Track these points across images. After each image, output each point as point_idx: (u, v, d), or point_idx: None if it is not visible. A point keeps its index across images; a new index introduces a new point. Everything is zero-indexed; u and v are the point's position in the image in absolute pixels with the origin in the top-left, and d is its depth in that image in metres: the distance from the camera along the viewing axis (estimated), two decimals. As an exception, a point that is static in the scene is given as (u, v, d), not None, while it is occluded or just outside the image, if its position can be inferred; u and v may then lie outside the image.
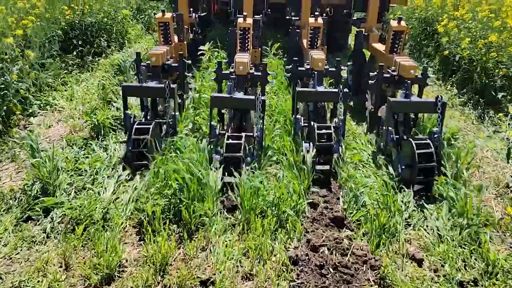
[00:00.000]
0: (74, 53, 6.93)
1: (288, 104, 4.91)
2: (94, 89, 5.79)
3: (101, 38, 7.72)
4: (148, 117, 4.38)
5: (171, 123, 4.26)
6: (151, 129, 3.84)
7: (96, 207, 3.29)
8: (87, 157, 4.16)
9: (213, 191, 3.36)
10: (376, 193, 3.54)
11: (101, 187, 3.66)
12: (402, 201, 3.53)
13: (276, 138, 4.34)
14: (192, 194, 3.26)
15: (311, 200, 3.51)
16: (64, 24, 6.54)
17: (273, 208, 3.29)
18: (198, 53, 6.41)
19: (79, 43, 7.25)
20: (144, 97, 4.38)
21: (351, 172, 3.92)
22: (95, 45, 7.53)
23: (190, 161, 3.50)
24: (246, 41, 5.06)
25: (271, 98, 5.42)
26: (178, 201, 3.28)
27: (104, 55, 7.58)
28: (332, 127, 3.94)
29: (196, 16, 6.97)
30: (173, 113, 4.26)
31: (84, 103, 5.44)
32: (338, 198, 3.64)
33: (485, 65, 5.78)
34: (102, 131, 4.57)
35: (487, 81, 5.79)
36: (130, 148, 3.85)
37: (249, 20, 5.06)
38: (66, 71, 6.44)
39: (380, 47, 5.34)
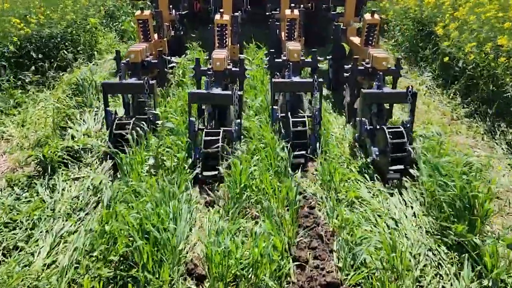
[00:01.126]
0: (33, 68, 6.19)
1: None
2: (51, 112, 5.05)
3: (66, 51, 6.98)
4: (130, 114, 4.41)
5: (151, 119, 4.26)
6: (131, 124, 3.94)
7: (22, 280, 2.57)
8: (29, 201, 3.45)
9: (174, 254, 2.65)
10: (378, 246, 2.85)
11: (37, 245, 2.95)
12: (410, 253, 2.85)
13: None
14: (144, 260, 2.55)
15: (297, 260, 2.82)
16: (16, 39, 5.78)
17: (249, 274, 2.59)
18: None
19: (39, 57, 6.52)
20: (125, 94, 4.42)
21: (346, 215, 3.22)
22: (58, 59, 6.81)
23: (144, 214, 2.78)
24: (224, 37, 5.12)
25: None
26: (126, 269, 2.56)
27: (69, 69, 6.84)
28: (306, 117, 4.11)
29: (177, 13, 7.05)
30: (153, 109, 4.30)
31: (38, 129, 4.71)
32: (331, 251, 2.95)
33: (493, 72, 5.11)
34: (50, 167, 3.84)
35: (495, 90, 5.12)
36: (111, 144, 3.91)
37: (226, 17, 5.14)
38: (21, 90, 5.70)
39: (356, 40, 5.43)
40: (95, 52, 7.68)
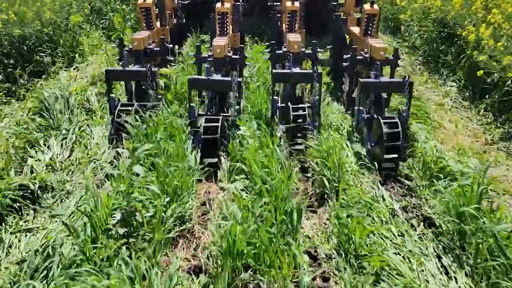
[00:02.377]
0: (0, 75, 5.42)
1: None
2: (9, 135, 4.26)
3: (42, 54, 6.18)
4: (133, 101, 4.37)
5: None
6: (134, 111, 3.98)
7: None
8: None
9: None
10: None
11: None
12: None
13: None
14: None
15: None
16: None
17: None
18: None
19: (10, 62, 5.73)
20: (128, 81, 4.52)
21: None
22: (34, 63, 6.02)
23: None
24: (225, 25, 5.19)
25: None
26: None
27: (45, 75, 6.04)
28: (306, 107, 4.16)
29: (179, 1, 7.01)
30: (158, 96, 4.39)
31: (-5, 154, 3.93)
32: None
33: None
34: (-3, 212, 3.07)
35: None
36: (113, 130, 4.03)
37: (227, 5, 5.21)
38: (-17, 102, 4.92)
39: (356, 30, 5.44)
40: (77, 55, 6.88)
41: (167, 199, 3.04)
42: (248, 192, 3.33)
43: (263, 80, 5.04)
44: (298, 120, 4.04)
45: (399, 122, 3.80)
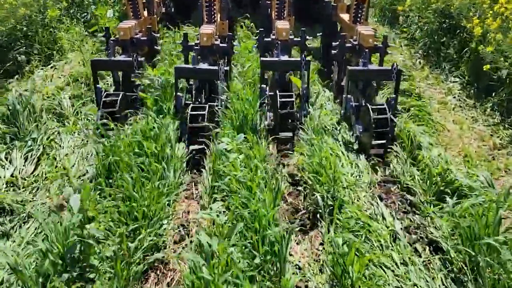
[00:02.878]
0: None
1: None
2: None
3: (16, 52, 5.76)
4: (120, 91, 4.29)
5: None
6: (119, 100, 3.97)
7: None
8: None
9: None
10: None
11: None
12: None
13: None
14: None
15: None
16: None
17: None
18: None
19: (-21, 61, 5.32)
20: (114, 71, 4.49)
21: None
22: (8, 63, 5.60)
23: None
24: (212, 12, 5.12)
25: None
26: None
27: (18, 76, 5.62)
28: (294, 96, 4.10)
29: None
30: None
31: None
32: None
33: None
34: None
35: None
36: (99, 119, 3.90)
37: None
38: None
39: (346, 17, 5.35)
40: (55, 52, 6.44)
41: (135, 225, 2.65)
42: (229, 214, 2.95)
43: (251, 82, 4.60)
44: (286, 108, 3.99)
45: (387, 109, 3.77)
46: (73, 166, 3.64)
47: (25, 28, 6.02)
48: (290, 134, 4.02)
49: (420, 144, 3.79)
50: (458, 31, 5.95)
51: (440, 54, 6.16)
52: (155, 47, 5.12)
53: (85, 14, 7.89)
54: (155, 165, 3.15)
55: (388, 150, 3.82)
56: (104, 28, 5.20)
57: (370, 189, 3.42)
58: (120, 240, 2.50)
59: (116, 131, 3.42)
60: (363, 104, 4.04)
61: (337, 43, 4.66)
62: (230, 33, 5.01)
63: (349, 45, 4.66)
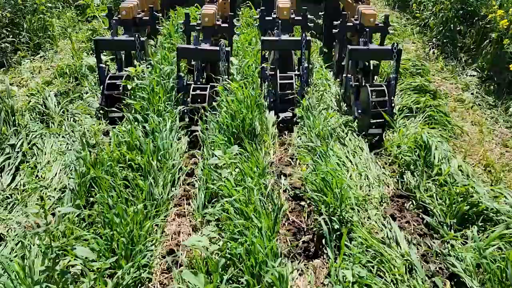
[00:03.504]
0: None
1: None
2: None
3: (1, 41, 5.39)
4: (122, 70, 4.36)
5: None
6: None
7: None
8: None
9: None
10: None
11: None
12: None
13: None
14: None
15: None
16: None
17: None
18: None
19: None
20: (117, 51, 4.49)
21: None
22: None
23: None
24: None
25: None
26: None
27: (4, 68, 5.27)
28: (294, 76, 4.12)
29: None
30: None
31: None
32: None
33: None
34: None
35: None
36: (103, 100, 4.04)
37: None
38: None
39: None
40: (45, 40, 6.05)
41: (114, 259, 2.33)
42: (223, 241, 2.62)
43: (250, 80, 4.20)
44: (286, 89, 4.02)
45: (386, 90, 3.76)
46: (55, 175, 3.31)
47: (10, 14, 5.63)
48: (289, 114, 4.04)
49: (437, 155, 3.42)
50: (476, 19, 5.51)
51: (456, 44, 5.73)
52: (157, 26, 5.07)
53: (78, -1, 7.48)
54: (141, 182, 2.81)
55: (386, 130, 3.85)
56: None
57: (382, 205, 3.08)
58: (96, 278, 2.19)
59: (100, 142, 3.06)
60: (363, 84, 4.03)
61: (338, 22, 4.60)
62: (232, 13, 4.88)
63: (350, 24, 4.59)
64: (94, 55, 5.27)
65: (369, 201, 3.09)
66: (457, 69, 5.36)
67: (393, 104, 3.81)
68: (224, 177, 2.77)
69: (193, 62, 4.24)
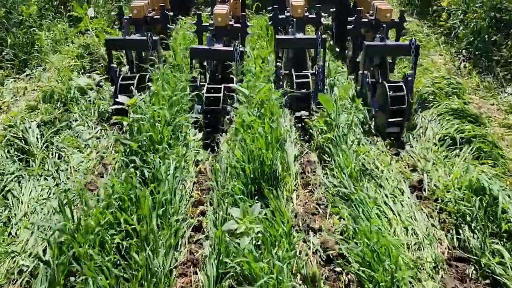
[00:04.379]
0: None
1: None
2: None
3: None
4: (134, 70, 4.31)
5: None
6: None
7: None
8: None
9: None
10: None
11: None
12: None
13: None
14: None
15: None
16: None
17: None
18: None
19: None
20: (128, 50, 4.43)
21: None
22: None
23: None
24: None
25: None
26: None
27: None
28: (310, 75, 4.04)
29: None
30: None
31: None
32: None
33: None
34: None
35: None
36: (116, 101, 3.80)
37: None
38: None
39: None
40: (32, 56, 5.44)
41: None
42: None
43: (267, 109, 3.54)
44: (302, 88, 3.94)
45: (404, 87, 3.66)
46: (31, 235, 2.70)
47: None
48: (306, 113, 3.95)
49: (496, 200, 2.80)
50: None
51: (491, 57, 5.12)
52: (169, 25, 5.03)
53: (70, 7, 6.85)
54: (136, 257, 2.19)
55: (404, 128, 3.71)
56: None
57: (438, 272, 2.46)
58: None
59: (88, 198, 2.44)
60: (380, 81, 3.94)
61: (353, 18, 4.48)
62: (244, 13, 4.80)
63: (366, 20, 4.49)
64: (86, 74, 4.74)
65: (421, 266, 2.48)
66: (495, 87, 4.75)
67: (411, 101, 3.73)
68: (244, 249, 2.14)
69: (205, 63, 4.25)
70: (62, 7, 6.74)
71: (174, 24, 5.36)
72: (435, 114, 3.98)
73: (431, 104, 4.15)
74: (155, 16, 4.85)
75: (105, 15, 6.49)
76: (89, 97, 4.38)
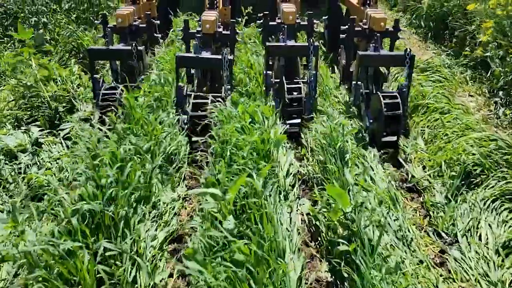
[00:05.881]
0: None
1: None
2: None
3: None
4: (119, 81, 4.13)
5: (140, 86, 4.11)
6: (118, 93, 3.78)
7: None
8: None
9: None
10: None
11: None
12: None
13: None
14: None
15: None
16: None
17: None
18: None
19: None
20: (112, 61, 4.23)
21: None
22: None
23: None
24: None
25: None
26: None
27: None
28: (301, 83, 3.96)
29: None
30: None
31: None
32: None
33: None
34: None
35: None
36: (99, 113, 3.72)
37: None
38: None
39: (354, 0, 5.02)
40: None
41: None
42: None
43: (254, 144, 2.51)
44: (294, 93, 3.86)
45: (399, 97, 3.59)
46: None
47: None
48: (298, 120, 3.85)
49: None
50: None
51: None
52: (155, 34, 4.89)
53: (36, 20, 5.67)
54: None
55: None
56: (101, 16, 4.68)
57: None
58: None
59: None
60: (374, 92, 3.92)
61: (346, 27, 4.38)
62: (233, 20, 4.68)
63: (359, 29, 4.41)
64: (23, 129, 3.67)
65: None
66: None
67: (406, 114, 3.70)
68: None
69: (192, 71, 4.17)
70: (12, 28, 5.59)
71: (161, 34, 5.12)
72: (487, 198, 2.91)
73: (478, 180, 3.09)
74: (141, 25, 4.68)
75: (62, 44, 5.31)
76: (19, 163, 3.27)
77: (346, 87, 4.59)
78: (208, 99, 3.62)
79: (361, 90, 3.93)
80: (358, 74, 3.95)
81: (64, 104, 4.14)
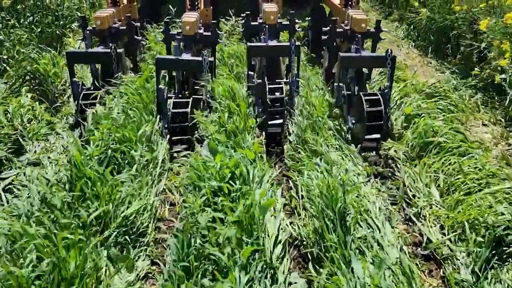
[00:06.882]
0: None
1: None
2: None
3: None
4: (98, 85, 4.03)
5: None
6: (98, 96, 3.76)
7: None
8: None
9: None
10: None
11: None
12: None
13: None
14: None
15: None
16: None
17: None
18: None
19: None
20: (92, 64, 4.16)
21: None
22: None
23: None
24: None
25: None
26: None
27: None
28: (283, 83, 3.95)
29: None
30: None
31: None
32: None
33: None
34: None
35: None
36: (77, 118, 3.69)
37: None
38: None
39: (336, 0, 5.01)
40: None
41: None
42: None
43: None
44: (276, 93, 3.80)
45: (381, 99, 3.55)
46: None
47: None
48: (280, 121, 3.78)
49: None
50: None
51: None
52: (136, 37, 4.78)
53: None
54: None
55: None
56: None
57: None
58: None
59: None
60: (355, 93, 3.88)
61: (328, 28, 4.37)
62: (215, 21, 4.64)
63: (340, 30, 4.42)
64: None
65: None
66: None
67: (388, 114, 3.69)
68: None
69: (173, 73, 4.10)
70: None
71: (141, 36, 5.07)
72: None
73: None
74: (121, 27, 4.58)
75: (15, 68, 4.56)
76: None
77: (329, 88, 4.48)
78: (187, 105, 3.56)
79: (343, 92, 3.89)
80: (340, 75, 3.94)
81: (9, 145, 3.48)
